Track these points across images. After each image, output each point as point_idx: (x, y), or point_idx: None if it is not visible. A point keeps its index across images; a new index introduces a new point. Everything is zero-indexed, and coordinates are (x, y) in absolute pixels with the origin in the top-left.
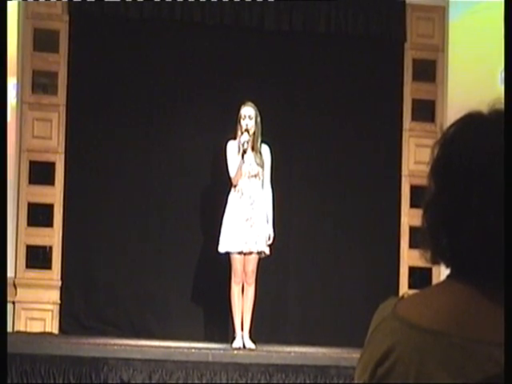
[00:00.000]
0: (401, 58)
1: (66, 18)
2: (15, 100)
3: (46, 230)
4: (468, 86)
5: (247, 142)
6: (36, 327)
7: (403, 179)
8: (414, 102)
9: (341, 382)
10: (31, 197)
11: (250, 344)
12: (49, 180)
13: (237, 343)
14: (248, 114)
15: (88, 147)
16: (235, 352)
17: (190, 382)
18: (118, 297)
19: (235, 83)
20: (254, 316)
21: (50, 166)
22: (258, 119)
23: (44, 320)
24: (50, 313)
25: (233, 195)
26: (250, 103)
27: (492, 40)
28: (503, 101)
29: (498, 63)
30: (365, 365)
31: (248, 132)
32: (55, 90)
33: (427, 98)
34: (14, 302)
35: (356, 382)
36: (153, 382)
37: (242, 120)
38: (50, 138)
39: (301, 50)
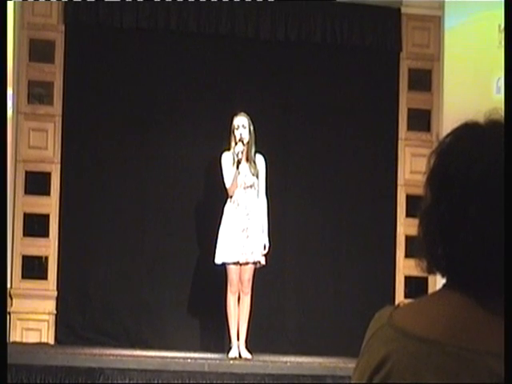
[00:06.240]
0: (396, 67)
1: (62, 28)
2: (11, 110)
3: (41, 240)
4: (464, 95)
5: (241, 153)
6: (32, 337)
7: (399, 188)
8: (410, 111)
9: None
10: (27, 207)
11: (246, 354)
12: (45, 190)
13: (233, 353)
14: (241, 123)
15: (84, 157)
16: (231, 362)
17: None
18: (113, 307)
19: (231, 93)
20: (250, 326)
21: (46, 176)
22: (252, 128)
23: (40, 330)
24: (46, 323)
25: (228, 206)
26: (242, 113)
27: (487, 49)
28: (499, 111)
29: (493, 72)
30: (361, 373)
31: (242, 142)
32: (51, 100)
33: (423, 107)
34: (9, 313)
35: None
36: None
37: (235, 130)
38: (45, 148)
39: (296, 60)
